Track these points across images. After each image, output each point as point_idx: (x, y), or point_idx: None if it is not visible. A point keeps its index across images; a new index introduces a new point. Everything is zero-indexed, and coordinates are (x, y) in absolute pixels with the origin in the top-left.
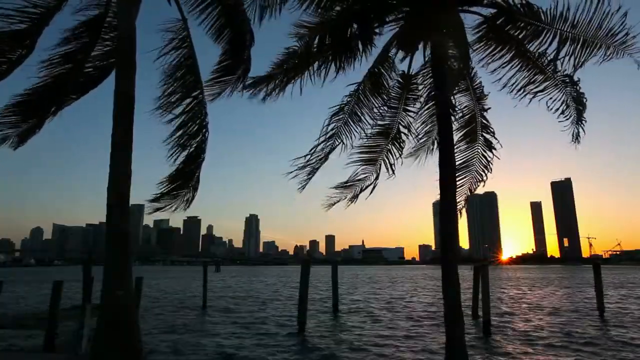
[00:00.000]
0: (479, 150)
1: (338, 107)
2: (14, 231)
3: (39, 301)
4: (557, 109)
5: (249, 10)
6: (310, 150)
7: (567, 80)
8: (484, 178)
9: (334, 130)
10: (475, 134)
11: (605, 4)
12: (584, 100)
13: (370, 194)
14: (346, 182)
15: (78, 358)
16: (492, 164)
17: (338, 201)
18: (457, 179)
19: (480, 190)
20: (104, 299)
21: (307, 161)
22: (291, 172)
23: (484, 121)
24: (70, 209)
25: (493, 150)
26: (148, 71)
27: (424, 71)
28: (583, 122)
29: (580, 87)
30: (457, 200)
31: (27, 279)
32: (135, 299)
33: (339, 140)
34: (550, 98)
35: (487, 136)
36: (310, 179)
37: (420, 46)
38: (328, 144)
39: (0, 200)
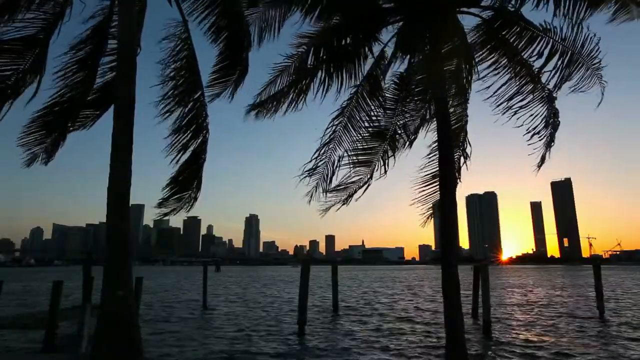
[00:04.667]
0: (458, 155)
1: (338, 110)
2: (14, 231)
3: (39, 301)
4: (534, 127)
5: (251, 28)
6: (314, 155)
7: (550, 94)
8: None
9: (333, 135)
10: (458, 138)
11: (585, 29)
12: (558, 119)
13: (362, 194)
14: (339, 186)
15: (78, 358)
16: (460, 173)
17: (333, 205)
18: (433, 185)
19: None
20: (104, 298)
21: (314, 167)
22: (298, 175)
23: (466, 127)
24: (70, 209)
25: (467, 159)
26: (149, 71)
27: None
28: (553, 144)
29: (555, 105)
30: (428, 207)
31: (27, 279)
32: (135, 299)
33: (340, 144)
34: (532, 115)
35: (466, 143)
36: (334, 193)
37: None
38: (330, 147)
39: (0, 200)
